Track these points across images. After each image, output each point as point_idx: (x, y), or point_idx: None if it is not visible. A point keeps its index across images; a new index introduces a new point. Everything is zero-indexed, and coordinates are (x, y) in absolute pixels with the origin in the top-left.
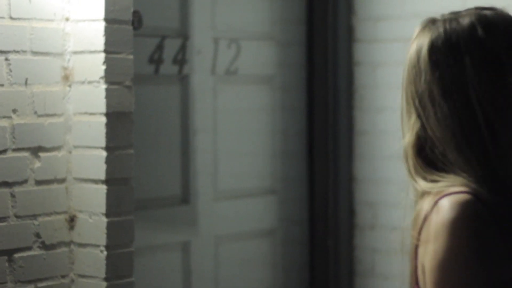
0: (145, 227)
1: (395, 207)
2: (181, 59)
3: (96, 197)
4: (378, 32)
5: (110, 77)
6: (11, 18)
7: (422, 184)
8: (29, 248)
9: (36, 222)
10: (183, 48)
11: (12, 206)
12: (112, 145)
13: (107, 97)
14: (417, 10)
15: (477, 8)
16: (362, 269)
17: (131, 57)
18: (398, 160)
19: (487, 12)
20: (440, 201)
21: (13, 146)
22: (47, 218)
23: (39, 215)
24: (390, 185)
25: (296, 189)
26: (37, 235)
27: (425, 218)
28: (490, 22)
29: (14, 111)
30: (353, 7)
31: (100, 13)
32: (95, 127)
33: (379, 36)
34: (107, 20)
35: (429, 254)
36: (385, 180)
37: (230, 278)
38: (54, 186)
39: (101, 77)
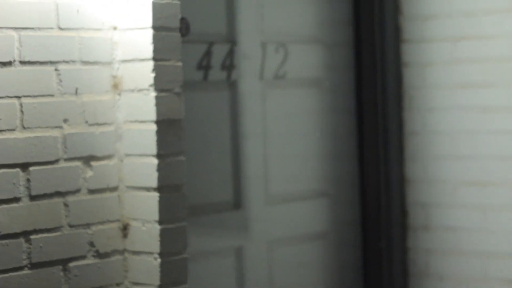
0: (198, 233)
1: (447, 207)
2: (229, 65)
3: (148, 204)
4: (426, 31)
5: (159, 84)
6: (60, 28)
7: None
8: (83, 257)
9: (89, 231)
10: (231, 54)
11: (65, 216)
12: (163, 153)
13: (157, 104)
14: (465, 8)
15: None
16: (416, 270)
17: (180, 64)
18: (449, 159)
19: None
20: None
21: (65, 156)
22: (100, 227)
23: (93, 224)
24: (442, 185)
25: (348, 191)
26: (91, 244)
27: None
28: None
29: (65, 121)
30: (400, 6)
31: (148, 21)
32: (146, 135)
33: (427, 35)
34: (155, 28)
35: None
36: (436, 180)
37: (284, 282)
38: (107, 194)
39: (151, 85)
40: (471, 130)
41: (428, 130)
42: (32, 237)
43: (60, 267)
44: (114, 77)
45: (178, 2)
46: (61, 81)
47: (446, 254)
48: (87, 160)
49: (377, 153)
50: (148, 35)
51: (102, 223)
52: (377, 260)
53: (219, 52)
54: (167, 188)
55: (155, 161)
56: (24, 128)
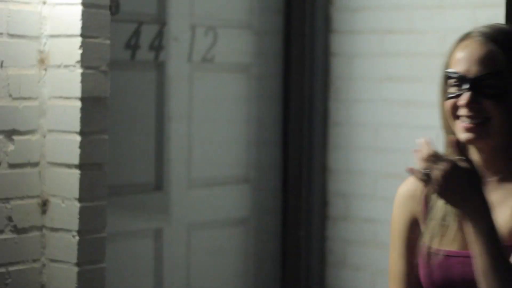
0: (118, 213)
1: (367, 199)
2: (157, 46)
3: (69, 181)
4: (355, 23)
5: (86, 61)
6: None
7: None
8: (1, 232)
9: (8, 206)
10: (160, 35)
11: None
12: (87, 130)
13: (82, 81)
14: (396, 2)
15: None
16: (334, 260)
17: (108, 42)
18: (371, 151)
19: None
20: None
21: None
22: (19, 202)
23: (12, 198)
24: (363, 176)
25: (270, 178)
26: (9, 219)
27: None
28: None
29: None
30: None
31: None
32: (70, 112)
33: (357, 27)
34: (84, 4)
35: None
36: (358, 171)
37: (202, 266)
38: (28, 170)
39: (77, 62)
40: (394, 123)
41: (352, 121)
42: None
43: None
44: (41, 52)
45: None
46: None
47: (364, 245)
48: (9, 134)
49: (301, 142)
50: (77, 11)
51: (21, 198)
52: (296, 248)
53: (148, 33)
54: (89, 166)
55: (78, 138)
56: None
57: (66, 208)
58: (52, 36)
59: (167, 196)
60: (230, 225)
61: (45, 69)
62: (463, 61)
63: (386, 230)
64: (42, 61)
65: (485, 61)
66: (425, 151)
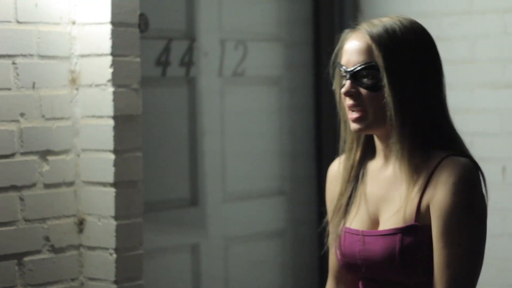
0: (154, 229)
1: None
2: (188, 61)
3: (104, 200)
4: None
5: (117, 80)
6: (18, 22)
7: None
8: (38, 252)
9: (45, 226)
10: (190, 50)
11: (21, 210)
12: (120, 148)
13: (114, 100)
14: (424, 9)
15: None
16: None
17: (138, 59)
18: None
19: None
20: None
21: (21, 150)
22: (56, 222)
23: (48, 218)
24: None
25: (305, 189)
26: (47, 239)
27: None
28: None
29: (22, 114)
30: (360, 6)
31: (107, 16)
32: (103, 130)
33: None
34: (113, 23)
35: (452, 194)
36: None
37: (239, 279)
38: (63, 189)
39: (108, 80)
40: None
41: None
42: None
43: (15, 261)
44: (72, 71)
45: None
46: (18, 74)
47: None
48: (44, 154)
49: (335, 152)
50: (106, 30)
51: (57, 217)
52: None
53: (178, 49)
54: (124, 183)
55: (112, 156)
56: None
57: (103, 226)
58: (83, 55)
59: (202, 210)
60: (266, 238)
61: (77, 89)
62: (346, 53)
63: None
64: (73, 81)
65: (361, 53)
66: None
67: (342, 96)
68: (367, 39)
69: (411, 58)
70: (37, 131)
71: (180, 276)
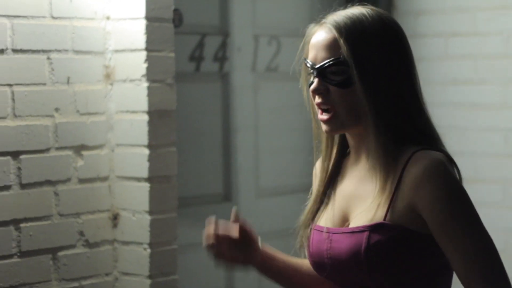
0: (188, 224)
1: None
2: (221, 57)
3: (139, 195)
4: (418, 27)
5: (151, 75)
6: (53, 17)
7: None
8: (73, 246)
9: (79, 221)
10: (223, 46)
11: (55, 205)
12: (155, 143)
13: (149, 95)
14: (458, 4)
15: None
16: None
17: (173, 55)
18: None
19: None
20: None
21: (56, 145)
22: (90, 217)
23: (83, 213)
24: None
25: None
26: (81, 234)
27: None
28: None
29: (57, 109)
30: (394, 1)
31: (141, 11)
32: (137, 125)
33: (420, 31)
34: (148, 18)
35: (431, 191)
36: None
37: None
38: (97, 184)
39: (143, 75)
40: (460, 126)
41: None
42: (22, 225)
43: (50, 256)
44: (107, 67)
45: None
46: (53, 70)
47: None
48: (78, 149)
49: None
50: (141, 25)
51: (92, 212)
52: None
53: (212, 44)
54: (158, 178)
55: (146, 151)
56: (15, 116)
57: (137, 221)
58: (117, 51)
59: (235, 206)
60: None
61: (111, 84)
62: (312, 48)
63: None
64: (108, 76)
65: (329, 48)
66: (209, 230)
67: (311, 94)
68: (334, 33)
69: (380, 50)
70: (71, 126)
71: (213, 272)
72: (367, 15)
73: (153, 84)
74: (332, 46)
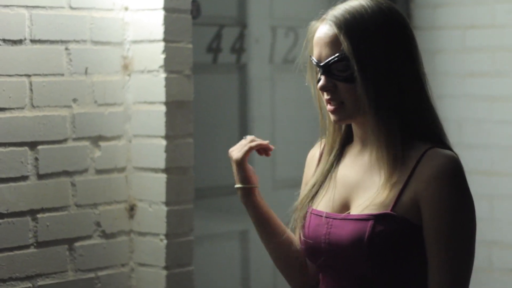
0: (204, 216)
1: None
2: (239, 48)
3: (156, 186)
4: (436, 19)
5: (169, 66)
6: (71, 7)
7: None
8: (89, 237)
9: (96, 211)
10: (241, 37)
11: (72, 195)
12: (172, 134)
13: (166, 86)
14: None
15: None
16: None
17: (190, 46)
18: (455, 147)
19: None
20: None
21: (74, 136)
22: (107, 207)
23: (100, 204)
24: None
25: None
26: (98, 224)
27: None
28: None
29: (74, 100)
30: None
31: (159, 2)
32: (155, 116)
33: (438, 23)
34: (166, 9)
35: (441, 190)
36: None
37: None
38: (114, 175)
39: (161, 66)
40: (478, 118)
41: None
42: (38, 215)
43: (66, 246)
44: (125, 57)
45: None
46: (71, 60)
47: None
48: (96, 140)
49: None
50: (159, 16)
51: (109, 203)
52: None
53: (229, 35)
54: (175, 170)
55: (163, 142)
56: (33, 106)
57: (153, 212)
58: (135, 41)
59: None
60: None
61: (129, 75)
62: (316, 45)
63: None
64: (125, 67)
65: (331, 45)
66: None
67: (318, 90)
68: (334, 29)
69: (381, 43)
70: (89, 116)
71: (229, 262)
72: (367, 7)
73: (171, 75)
74: (334, 43)
